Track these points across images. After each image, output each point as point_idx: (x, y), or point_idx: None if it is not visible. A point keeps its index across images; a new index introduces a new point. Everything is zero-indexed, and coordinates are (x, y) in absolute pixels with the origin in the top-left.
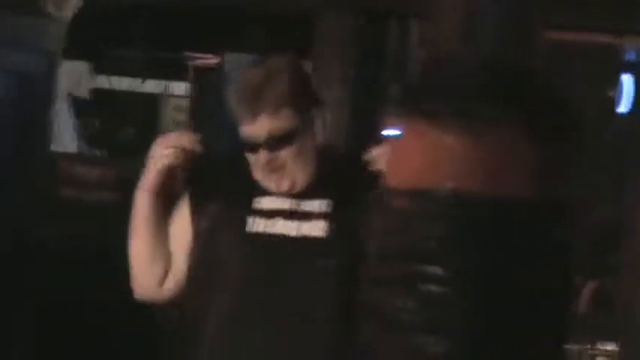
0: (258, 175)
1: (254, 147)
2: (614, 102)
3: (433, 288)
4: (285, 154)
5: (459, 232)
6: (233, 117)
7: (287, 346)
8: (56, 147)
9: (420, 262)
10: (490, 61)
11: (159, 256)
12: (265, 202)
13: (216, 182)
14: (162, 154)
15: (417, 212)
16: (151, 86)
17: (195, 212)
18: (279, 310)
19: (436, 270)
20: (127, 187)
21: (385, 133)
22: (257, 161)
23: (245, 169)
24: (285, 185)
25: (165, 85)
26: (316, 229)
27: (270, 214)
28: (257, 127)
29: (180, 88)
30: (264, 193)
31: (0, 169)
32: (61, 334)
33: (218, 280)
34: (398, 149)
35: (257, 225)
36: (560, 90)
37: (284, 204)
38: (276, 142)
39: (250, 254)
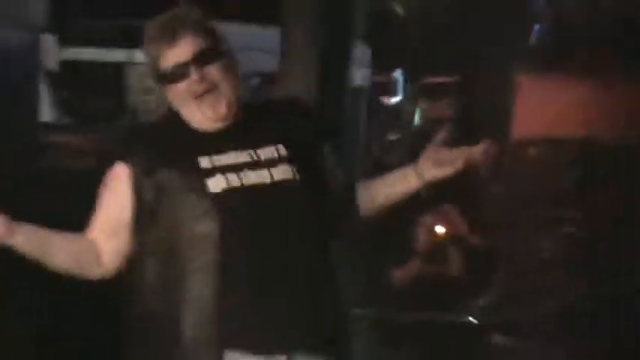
0: (193, 106)
1: (182, 71)
2: None
3: (569, 230)
4: (215, 70)
5: (591, 176)
6: (150, 53)
7: (293, 292)
8: (40, 118)
9: (554, 206)
10: (615, 18)
11: (78, 258)
12: (225, 159)
13: (156, 149)
14: None
15: (550, 160)
16: (117, 55)
17: (137, 185)
18: (270, 254)
19: (572, 213)
20: (99, 153)
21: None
22: (188, 87)
23: (183, 127)
24: (222, 107)
25: (130, 54)
26: (285, 172)
27: (237, 168)
28: (182, 49)
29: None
30: (217, 150)
31: None
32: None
33: (190, 239)
34: (531, 101)
35: (229, 181)
36: None
37: (245, 157)
38: (204, 57)
39: (228, 208)
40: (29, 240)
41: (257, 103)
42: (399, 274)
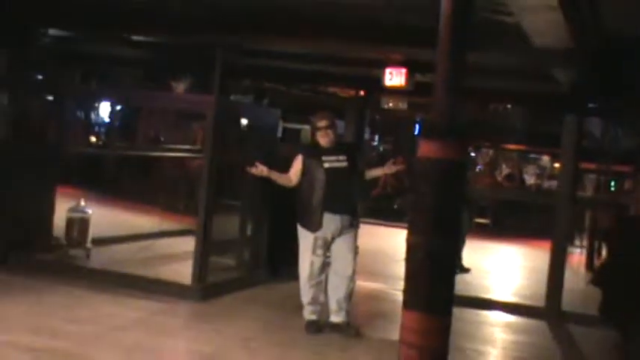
0: (321, 139)
1: (321, 130)
2: None
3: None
4: (330, 131)
5: (436, 175)
6: (314, 123)
7: (345, 198)
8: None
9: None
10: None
11: (286, 181)
12: (330, 158)
13: (309, 152)
14: (259, 174)
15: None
16: (298, 126)
17: (304, 161)
18: (340, 187)
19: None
20: (294, 151)
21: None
22: (322, 134)
23: (317, 148)
24: (329, 141)
25: (303, 126)
26: (345, 163)
27: (332, 161)
28: (322, 123)
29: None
30: (327, 154)
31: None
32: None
33: (315, 181)
34: (423, 146)
35: (330, 164)
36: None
37: (335, 158)
38: (328, 127)
39: (328, 173)
40: (274, 175)
41: (340, 141)
42: (375, 192)
